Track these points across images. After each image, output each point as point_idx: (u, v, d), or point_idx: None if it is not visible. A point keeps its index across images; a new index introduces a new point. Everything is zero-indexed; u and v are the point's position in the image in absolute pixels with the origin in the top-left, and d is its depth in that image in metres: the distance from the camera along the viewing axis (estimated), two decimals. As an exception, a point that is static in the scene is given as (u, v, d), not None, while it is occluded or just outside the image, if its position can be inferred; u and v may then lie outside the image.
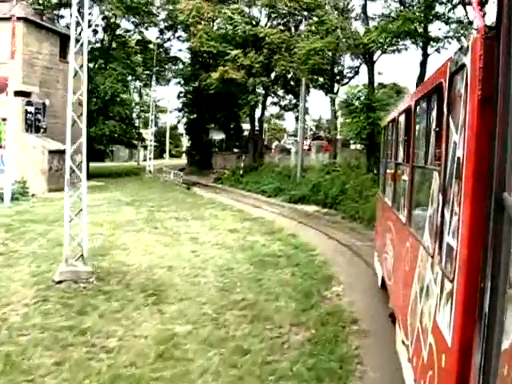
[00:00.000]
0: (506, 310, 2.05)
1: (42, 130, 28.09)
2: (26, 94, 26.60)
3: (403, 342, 5.26)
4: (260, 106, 37.13)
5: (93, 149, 55.35)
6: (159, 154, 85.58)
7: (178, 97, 48.00)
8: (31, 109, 27.06)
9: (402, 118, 6.89)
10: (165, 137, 76.51)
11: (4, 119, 26.20)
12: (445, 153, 3.71)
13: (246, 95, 32.15)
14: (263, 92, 35.62)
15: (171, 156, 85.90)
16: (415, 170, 5.49)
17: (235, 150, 45.07)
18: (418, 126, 5.75)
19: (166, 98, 63.59)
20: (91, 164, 62.75)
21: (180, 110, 49.66)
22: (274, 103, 39.71)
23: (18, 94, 26.02)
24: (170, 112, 67.27)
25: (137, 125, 49.49)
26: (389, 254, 7.43)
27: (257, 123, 39.59)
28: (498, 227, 2.12)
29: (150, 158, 41.82)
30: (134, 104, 50.66)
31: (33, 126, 27.24)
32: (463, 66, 3.24)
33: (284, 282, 9.98)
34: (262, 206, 22.71)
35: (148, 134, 42.28)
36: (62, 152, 28.20)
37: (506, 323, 2.04)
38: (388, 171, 8.62)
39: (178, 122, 54.45)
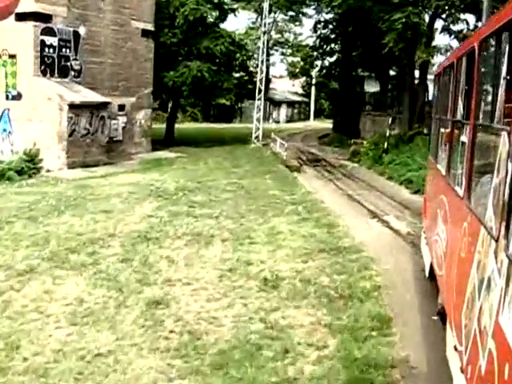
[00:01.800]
0: None
1: (72, 74, 23.45)
2: (44, 18, 21.90)
3: (455, 348, 5.09)
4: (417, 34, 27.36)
5: (219, 105, 50.96)
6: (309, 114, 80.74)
7: (315, 30, 40.68)
8: (52, 40, 22.36)
9: (462, 63, 6.62)
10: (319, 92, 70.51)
11: (12, 56, 22.11)
12: None
13: (389, 15, 23.26)
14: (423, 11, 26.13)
15: (325, 117, 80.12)
16: (477, 129, 5.32)
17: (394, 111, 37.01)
18: (482, 74, 5.45)
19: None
20: (203, 125, 60.21)
21: (317, 49, 42.07)
22: (445, 29, 29.71)
23: (27, 16, 21.55)
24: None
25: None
26: (440, 236, 7.14)
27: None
28: None
29: (258, 120, 35.52)
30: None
31: (55, 66, 22.63)
32: None
33: None
34: (384, 215, 14.79)
35: (259, 82, 35.79)
36: (97, 107, 23.22)
37: None
38: (442, 130, 8.50)
39: (311, 66, 47.12)
